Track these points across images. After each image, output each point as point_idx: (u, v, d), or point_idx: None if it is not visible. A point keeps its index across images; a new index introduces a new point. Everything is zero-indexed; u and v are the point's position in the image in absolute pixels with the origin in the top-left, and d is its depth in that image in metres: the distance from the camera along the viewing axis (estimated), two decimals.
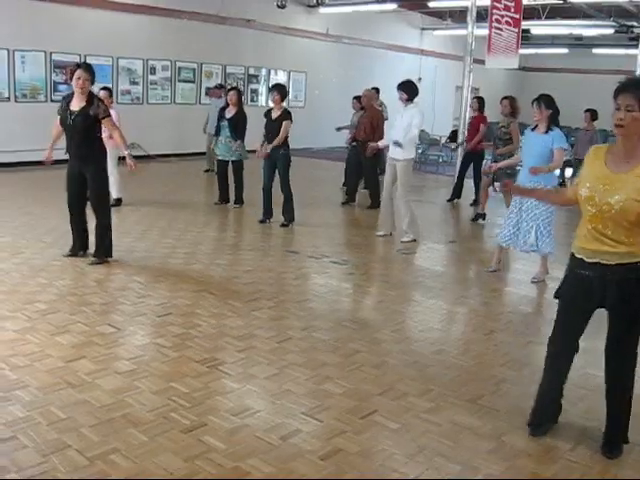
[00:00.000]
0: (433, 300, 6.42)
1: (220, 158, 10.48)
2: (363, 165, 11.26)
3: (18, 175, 12.36)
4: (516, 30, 14.44)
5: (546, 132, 6.82)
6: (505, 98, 10.08)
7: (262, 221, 9.39)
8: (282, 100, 9.16)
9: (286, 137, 9.08)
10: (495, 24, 14.50)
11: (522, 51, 15.26)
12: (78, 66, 6.78)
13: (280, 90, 9.25)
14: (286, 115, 9.07)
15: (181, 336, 5.02)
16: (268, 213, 9.43)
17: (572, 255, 3.63)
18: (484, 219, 10.42)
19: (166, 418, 3.79)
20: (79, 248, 7.10)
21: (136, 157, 14.95)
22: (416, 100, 8.62)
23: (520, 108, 10.04)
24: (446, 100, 23.85)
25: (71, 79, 6.69)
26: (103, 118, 6.70)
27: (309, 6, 19.63)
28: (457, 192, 12.31)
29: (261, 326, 5.32)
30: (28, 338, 4.85)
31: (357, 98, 12.39)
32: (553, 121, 6.87)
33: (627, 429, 3.70)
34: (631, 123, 3.28)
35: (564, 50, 27.17)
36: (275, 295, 6.16)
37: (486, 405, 4.17)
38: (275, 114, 9.12)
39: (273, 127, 9.07)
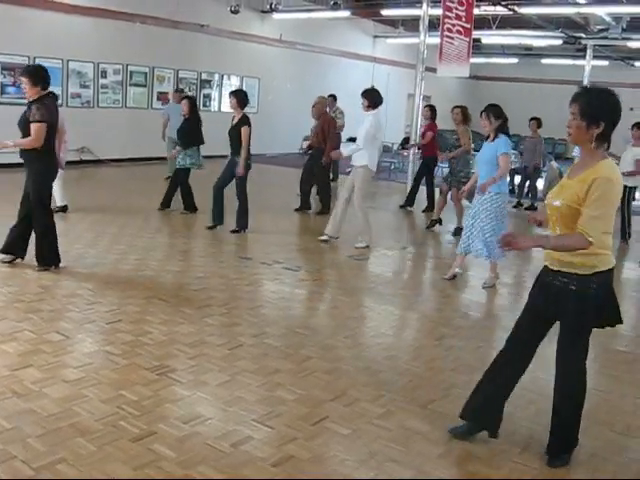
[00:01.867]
0: (385, 306, 6.45)
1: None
2: (315, 171, 11.29)
3: None
4: (467, 39, 14.64)
5: (493, 140, 7.00)
6: (456, 107, 10.20)
7: (211, 227, 9.26)
8: (239, 105, 9.03)
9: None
10: (446, 33, 14.68)
11: (473, 60, 15.51)
12: None
13: (236, 95, 9.15)
14: (244, 121, 8.96)
15: (131, 343, 4.95)
16: (218, 219, 9.28)
17: None
18: (440, 224, 10.52)
19: (115, 427, 3.73)
20: (7, 249, 6.85)
21: (86, 162, 14.97)
22: (380, 108, 8.69)
23: (471, 116, 10.18)
24: (398, 107, 24.06)
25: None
26: (30, 122, 6.35)
27: (263, 12, 19.61)
28: (411, 199, 12.41)
29: (212, 333, 5.27)
30: None
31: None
32: (501, 129, 6.99)
33: (572, 436, 3.68)
34: (575, 131, 3.38)
35: (514, 60, 27.73)
36: (227, 302, 6.12)
37: (437, 410, 4.21)
38: (235, 120, 9.04)
39: (233, 133, 8.99)
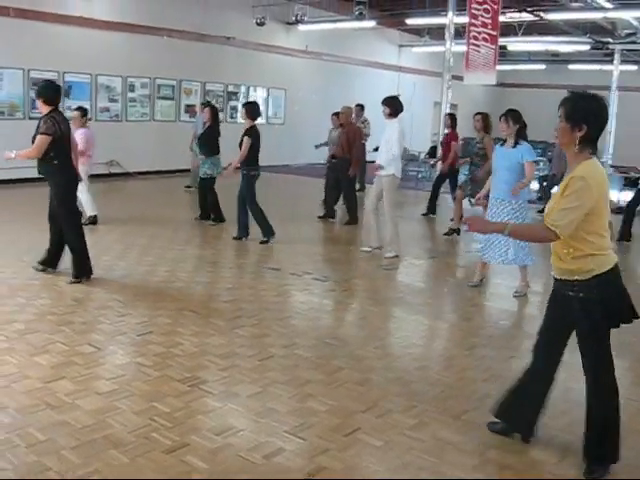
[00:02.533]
0: (415, 316, 6.42)
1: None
2: (341, 181, 11.29)
3: None
4: (493, 47, 14.61)
5: (514, 146, 6.96)
6: (478, 114, 10.14)
7: (236, 238, 9.28)
8: (249, 116, 9.08)
9: (251, 155, 8.97)
10: (473, 41, 14.66)
11: (499, 67, 15.44)
12: None
13: (247, 106, 9.32)
14: (248, 131, 9.00)
15: (162, 355, 4.98)
16: (243, 230, 9.28)
17: None
18: (458, 233, 10.44)
19: (147, 438, 3.74)
20: (48, 263, 7.07)
21: (115, 175, 15.12)
22: (400, 116, 8.66)
23: (492, 124, 10.11)
24: (424, 116, 24.02)
25: None
26: (38, 134, 6.56)
27: (288, 23, 19.73)
28: (432, 207, 12.38)
29: (243, 344, 5.28)
30: (6, 359, 4.78)
31: (336, 114, 12.41)
32: (521, 135, 6.99)
33: (605, 448, 3.59)
34: (560, 132, 3.50)
35: (541, 66, 27.53)
36: (256, 313, 6.13)
37: (470, 421, 4.17)
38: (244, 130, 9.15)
39: (240, 143, 9.03)
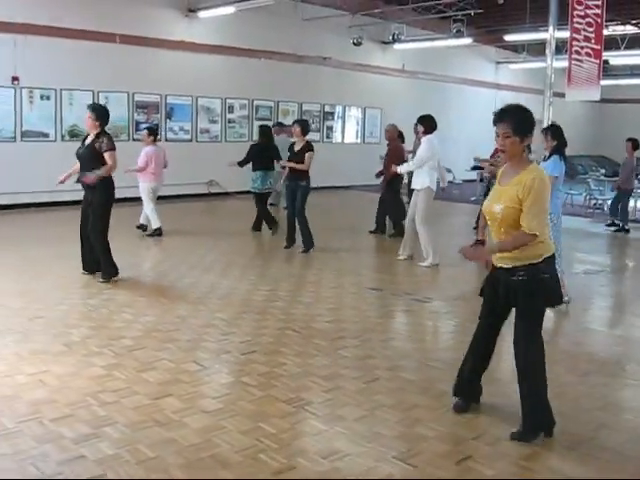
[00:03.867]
0: None
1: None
2: (384, 195, 11.65)
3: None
4: (597, 61, 14.11)
5: (545, 160, 7.21)
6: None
7: (286, 247, 9.91)
8: (303, 133, 9.67)
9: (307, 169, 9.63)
10: (575, 56, 14.21)
11: (602, 82, 14.93)
12: (88, 107, 7.58)
13: (301, 123, 9.87)
14: (309, 147, 9.60)
15: (266, 375, 4.96)
16: (290, 240, 9.93)
17: None
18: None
19: (255, 459, 3.71)
20: (88, 269, 7.75)
21: (215, 194, 15.45)
22: (435, 132, 9.17)
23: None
24: None
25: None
26: (105, 151, 7.32)
27: (384, 42, 19.73)
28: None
29: (347, 366, 5.21)
30: (115, 374, 4.88)
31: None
32: (557, 150, 7.15)
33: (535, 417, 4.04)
34: (510, 147, 3.90)
35: None
36: (359, 334, 6.05)
37: (586, 452, 3.95)
38: (298, 146, 9.65)
39: (297, 159, 9.58)
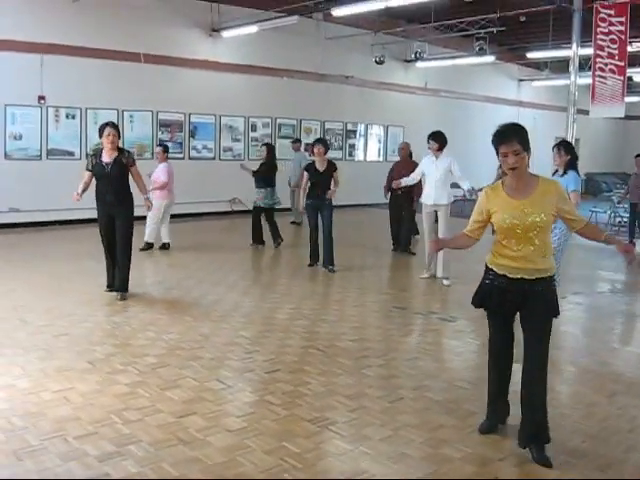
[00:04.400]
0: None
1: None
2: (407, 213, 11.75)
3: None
4: (621, 78, 14.05)
5: (562, 175, 7.26)
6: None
7: (310, 265, 9.97)
8: (326, 152, 9.76)
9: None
10: (599, 72, 14.15)
11: (626, 99, 14.84)
12: (107, 125, 7.56)
13: (324, 143, 9.96)
14: (334, 166, 9.76)
15: (290, 394, 4.93)
16: (314, 258, 10.00)
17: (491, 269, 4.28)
18: None
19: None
20: (113, 286, 7.82)
21: (238, 212, 15.50)
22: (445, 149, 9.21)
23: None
24: (546, 151, 23.31)
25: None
26: (132, 165, 7.59)
27: (406, 61, 19.77)
28: None
29: (371, 385, 5.17)
30: (139, 392, 4.88)
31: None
32: (570, 165, 7.29)
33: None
34: (522, 163, 3.97)
35: None
36: (384, 353, 6.01)
37: (616, 475, 3.87)
38: (321, 166, 9.71)
39: (323, 179, 9.65)
